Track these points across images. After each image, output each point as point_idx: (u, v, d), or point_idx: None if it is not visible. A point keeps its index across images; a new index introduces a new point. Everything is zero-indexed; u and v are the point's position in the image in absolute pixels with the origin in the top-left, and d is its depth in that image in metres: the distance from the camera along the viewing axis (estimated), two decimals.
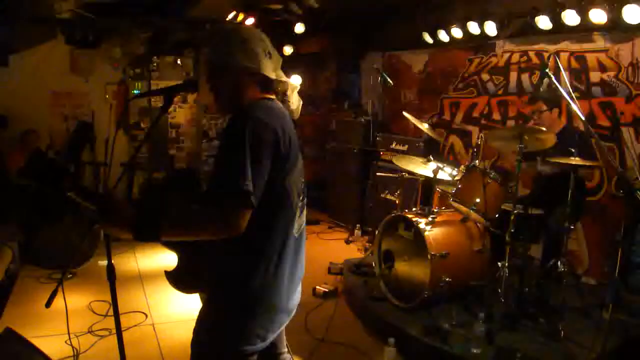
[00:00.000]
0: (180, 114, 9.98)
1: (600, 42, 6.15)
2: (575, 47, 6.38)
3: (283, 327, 2.70)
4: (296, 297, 2.64)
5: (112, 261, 2.52)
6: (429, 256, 5.09)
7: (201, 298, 2.62)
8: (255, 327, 2.46)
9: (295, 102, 2.70)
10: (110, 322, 4.85)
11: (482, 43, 7.52)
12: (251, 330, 2.45)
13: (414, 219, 5.37)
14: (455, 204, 5.51)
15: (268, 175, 2.30)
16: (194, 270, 2.50)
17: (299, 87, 2.72)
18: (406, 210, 5.79)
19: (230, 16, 7.85)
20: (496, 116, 7.47)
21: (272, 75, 2.52)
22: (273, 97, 2.56)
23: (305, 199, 2.66)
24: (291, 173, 2.44)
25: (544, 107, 6.04)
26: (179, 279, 2.54)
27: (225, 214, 2.23)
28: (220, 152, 2.34)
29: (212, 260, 2.44)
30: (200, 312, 2.55)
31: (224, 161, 2.29)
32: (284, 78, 2.59)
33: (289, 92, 2.66)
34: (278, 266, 2.47)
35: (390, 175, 7.06)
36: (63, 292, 2.56)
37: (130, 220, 2.27)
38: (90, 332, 5.06)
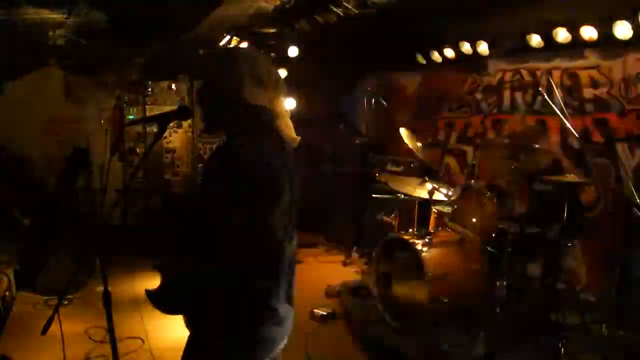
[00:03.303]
0: (176, 138, 9.98)
1: (592, 59, 6.19)
2: (568, 64, 6.42)
3: (278, 351, 2.66)
4: (287, 325, 2.59)
5: (109, 287, 2.51)
6: (426, 277, 5.08)
7: (185, 322, 2.60)
8: (241, 357, 2.44)
9: (288, 130, 2.57)
10: (107, 349, 4.81)
11: (475, 63, 7.55)
12: None
13: (410, 241, 5.37)
14: (452, 225, 5.51)
15: (249, 216, 2.29)
16: (176, 292, 2.47)
17: (289, 114, 2.66)
18: (403, 232, 5.79)
19: (224, 41, 7.89)
20: (491, 135, 7.49)
21: (259, 102, 2.44)
22: (259, 126, 2.46)
23: (295, 229, 2.61)
24: (276, 209, 2.39)
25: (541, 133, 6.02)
26: (161, 299, 2.51)
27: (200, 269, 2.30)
28: (204, 191, 2.36)
29: (195, 289, 2.42)
30: (188, 340, 2.54)
31: (207, 205, 2.31)
32: (273, 105, 2.50)
33: (279, 122, 2.53)
34: (265, 297, 2.44)
35: (386, 196, 7.06)
36: (59, 319, 2.54)
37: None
38: (87, 359, 5.04)
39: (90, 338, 5.45)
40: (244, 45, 7.93)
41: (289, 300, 2.59)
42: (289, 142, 2.58)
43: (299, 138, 2.62)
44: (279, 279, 2.48)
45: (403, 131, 6.53)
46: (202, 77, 2.54)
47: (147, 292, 2.49)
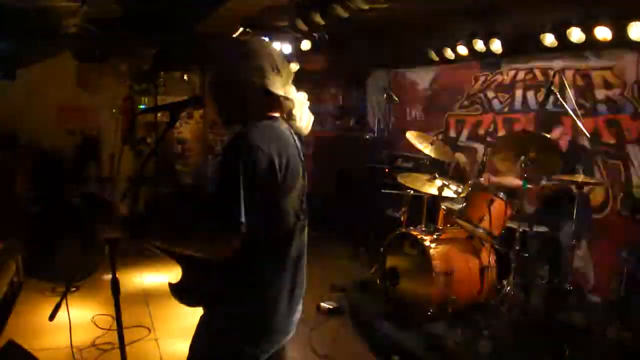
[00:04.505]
0: (187, 129, 10.01)
1: (605, 60, 6.15)
2: (581, 64, 6.39)
3: (284, 344, 2.67)
4: (295, 317, 2.61)
5: (117, 275, 2.52)
6: (433, 274, 5.08)
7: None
8: (249, 347, 2.45)
9: (305, 118, 2.64)
10: (113, 336, 4.82)
11: (488, 61, 7.52)
12: (245, 350, 2.45)
13: (419, 237, 5.37)
14: (461, 222, 5.51)
15: (262, 199, 2.30)
16: (196, 284, 2.50)
17: (308, 103, 2.70)
18: (411, 228, 5.78)
19: (237, 33, 7.88)
20: (501, 134, 7.47)
21: (279, 92, 2.48)
22: (277, 114, 2.52)
23: (306, 219, 2.62)
24: (287, 195, 2.42)
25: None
26: (182, 292, 2.54)
27: (215, 240, 2.29)
28: (217, 177, 2.36)
29: (210, 279, 2.44)
30: (197, 328, 2.56)
31: (220, 189, 2.31)
32: (291, 95, 2.56)
33: (295, 110, 2.59)
34: (276, 287, 2.45)
35: (396, 192, 7.05)
36: (67, 306, 2.55)
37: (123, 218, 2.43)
38: (93, 346, 5.05)
39: (96, 325, 5.47)
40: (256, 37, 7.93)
41: (299, 291, 2.60)
42: (302, 129, 2.65)
43: (310, 127, 2.65)
44: (288, 270, 2.50)
45: (411, 135, 6.56)
46: (221, 69, 2.54)
47: (171, 285, 2.52)
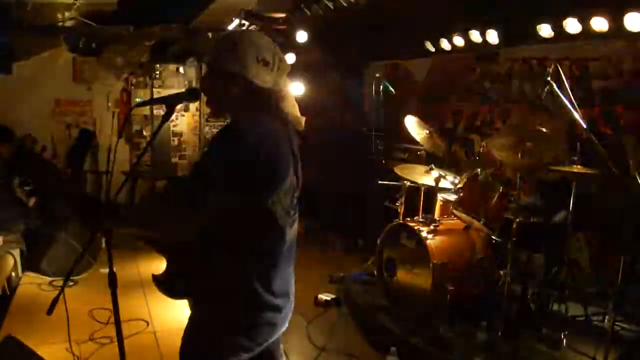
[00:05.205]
0: (183, 122, 9.99)
1: (602, 50, 6.14)
2: (577, 55, 6.38)
3: (277, 337, 2.66)
4: (286, 310, 2.60)
5: (114, 269, 2.52)
6: (430, 265, 5.09)
7: (189, 306, 2.63)
8: (240, 340, 2.45)
9: (294, 113, 2.59)
10: (111, 330, 4.83)
11: (484, 51, 7.51)
12: (235, 344, 2.45)
13: (416, 228, 5.37)
14: (458, 213, 5.51)
15: (247, 195, 2.31)
16: (181, 276, 2.50)
17: (294, 96, 2.64)
18: (408, 219, 5.79)
19: (233, 25, 7.87)
20: (498, 124, 7.46)
21: (264, 84, 2.44)
22: (266, 108, 2.47)
23: (296, 214, 2.61)
24: (275, 192, 2.39)
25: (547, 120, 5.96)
26: (166, 283, 2.54)
27: (177, 220, 2.32)
28: (198, 162, 2.39)
29: (198, 273, 2.44)
30: (188, 322, 2.58)
31: (196, 171, 2.35)
32: (278, 87, 2.50)
33: (285, 103, 2.54)
34: (265, 282, 2.44)
35: (392, 183, 7.05)
36: (64, 300, 2.55)
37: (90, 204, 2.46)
38: (91, 339, 5.06)
39: (94, 319, 5.47)
40: (252, 28, 7.91)
41: (289, 286, 2.61)
42: (295, 124, 2.59)
43: (304, 119, 2.62)
44: (278, 264, 2.49)
45: (409, 120, 6.55)
46: (207, 60, 2.55)
47: (154, 277, 2.53)
